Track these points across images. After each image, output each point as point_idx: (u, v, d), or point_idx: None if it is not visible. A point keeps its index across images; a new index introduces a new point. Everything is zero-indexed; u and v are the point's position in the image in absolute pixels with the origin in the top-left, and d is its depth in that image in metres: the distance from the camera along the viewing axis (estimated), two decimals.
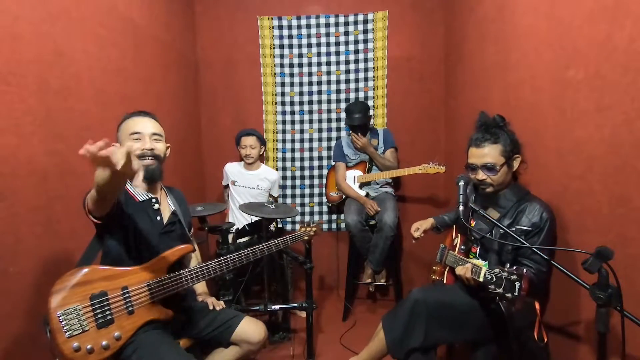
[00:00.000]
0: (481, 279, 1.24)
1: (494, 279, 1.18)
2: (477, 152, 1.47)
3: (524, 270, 1.16)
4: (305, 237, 1.90)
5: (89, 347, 1.16)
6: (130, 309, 1.26)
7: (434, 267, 1.82)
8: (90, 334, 1.18)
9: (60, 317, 1.15)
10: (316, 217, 3.19)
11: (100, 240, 1.35)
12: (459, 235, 1.64)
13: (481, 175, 1.46)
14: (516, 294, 1.14)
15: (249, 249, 1.56)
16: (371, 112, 2.79)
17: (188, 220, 1.59)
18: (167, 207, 1.51)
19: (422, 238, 1.85)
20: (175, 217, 1.50)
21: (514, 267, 1.17)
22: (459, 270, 1.39)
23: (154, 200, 1.43)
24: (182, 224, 1.52)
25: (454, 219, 1.89)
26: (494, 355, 1.49)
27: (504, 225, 1.44)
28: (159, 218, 1.43)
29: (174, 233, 1.48)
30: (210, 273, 1.45)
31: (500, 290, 1.15)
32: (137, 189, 1.42)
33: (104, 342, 1.19)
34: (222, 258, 1.49)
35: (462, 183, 1.45)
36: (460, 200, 1.43)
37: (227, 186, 2.82)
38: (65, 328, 1.14)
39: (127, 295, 1.26)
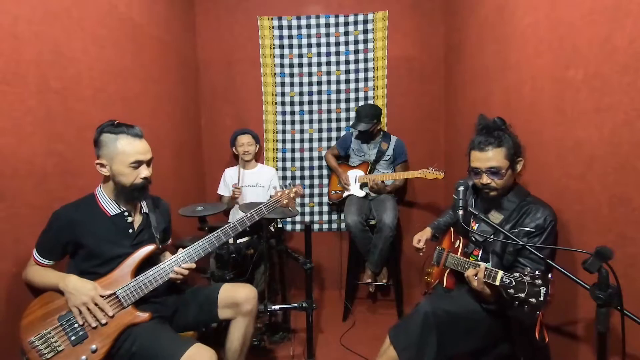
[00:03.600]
0: (497, 283, 1.23)
1: (513, 283, 1.16)
2: (481, 155, 1.45)
3: (550, 275, 1.15)
4: (285, 201, 1.68)
5: None
6: (101, 320, 1.28)
7: (429, 270, 1.80)
8: (66, 352, 1.23)
9: (33, 345, 1.21)
10: (316, 217, 3.19)
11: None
12: (460, 238, 1.64)
13: (486, 179, 1.46)
14: (542, 299, 1.12)
15: (217, 230, 1.49)
16: (380, 115, 2.74)
17: (163, 226, 1.55)
18: (139, 215, 1.48)
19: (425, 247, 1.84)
20: (147, 221, 1.47)
21: (536, 272, 1.16)
22: (470, 272, 1.38)
23: (126, 213, 1.42)
24: (150, 229, 1.48)
25: (449, 222, 1.88)
26: None
27: (508, 226, 1.44)
28: (130, 231, 1.42)
29: (145, 242, 1.45)
30: (179, 263, 1.41)
31: (523, 295, 1.13)
32: (110, 202, 1.39)
33: (82, 357, 1.23)
34: (190, 247, 1.44)
35: (461, 188, 1.46)
36: (460, 204, 1.43)
37: (221, 197, 2.87)
38: (39, 352, 1.20)
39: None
